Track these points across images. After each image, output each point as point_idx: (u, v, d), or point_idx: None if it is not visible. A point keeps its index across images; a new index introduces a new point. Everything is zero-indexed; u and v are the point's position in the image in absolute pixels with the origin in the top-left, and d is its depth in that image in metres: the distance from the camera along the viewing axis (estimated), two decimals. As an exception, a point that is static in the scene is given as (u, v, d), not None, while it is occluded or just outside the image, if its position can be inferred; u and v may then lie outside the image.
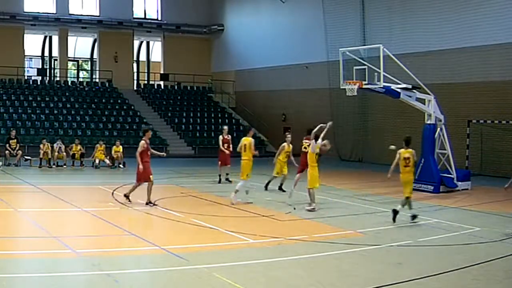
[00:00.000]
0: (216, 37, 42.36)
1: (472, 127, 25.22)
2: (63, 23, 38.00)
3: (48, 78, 39.13)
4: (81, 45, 41.71)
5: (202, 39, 42.42)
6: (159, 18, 41.53)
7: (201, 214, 13.98)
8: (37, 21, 37.24)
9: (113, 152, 25.83)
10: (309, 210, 14.83)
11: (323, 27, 32.16)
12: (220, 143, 20.51)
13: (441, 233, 12.51)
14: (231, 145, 20.45)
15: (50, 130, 31.59)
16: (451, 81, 25.53)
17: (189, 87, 41.54)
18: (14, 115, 32.61)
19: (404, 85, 19.38)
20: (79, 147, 25.49)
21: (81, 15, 38.79)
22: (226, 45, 41.51)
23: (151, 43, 43.82)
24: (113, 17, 39.03)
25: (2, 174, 21.61)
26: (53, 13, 37.61)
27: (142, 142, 15.25)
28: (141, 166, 14.97)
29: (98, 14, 39.11)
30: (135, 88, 40.94)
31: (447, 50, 25.84)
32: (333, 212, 15.02)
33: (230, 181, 20.14)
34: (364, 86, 19.18)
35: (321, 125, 16.15)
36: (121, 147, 25.97)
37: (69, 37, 39.06)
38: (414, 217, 13.50)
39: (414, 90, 19.59)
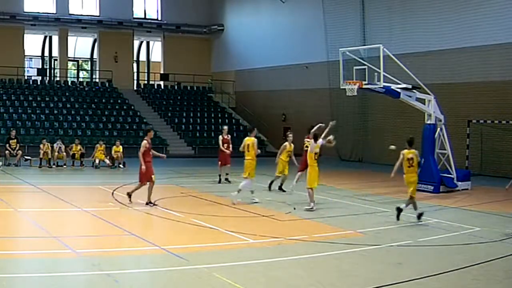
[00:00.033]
0: (216, 37, 42.37)
1: (472, 127, 25.22)
2: (63, 23, 38.01)
3: (48, 78, 39.14)
4: (81, 45, 41.72)
5: (202, 39, 42.42)
6: (159, 18, 41.53)
7: (201, 214, 13.98)
8: (37, 21, 37.25)
9: (113, 152, 25.83)
10: (307, 210, 14.84)
11: (323, 27, 32.16)
12: (220, 143, 20.52)
13: (441, 233, 12.51)
14: (230, 145, 20.47)
15: (50, 130, 31.59)
16: (451, 81, 25.53)
17: (189, 87, 41.54)
18: (14, 115, 32.61)
19: (404, 85, 19.38)
20: (79, 147, 25.49)
21: (81, 15, 38.80)
22: (226, 45, 41.51)
23: (151, 43, 43.83)
24: (113, 17, 39.03)
25: (2, 174, 21.61)
26: (53, 13, 37.62)
27: (144, 142, 15.23)
28: (143, 167, 14.97)
29: (98, 14, 39.12)
30: (135, 88, 40.95)
31: (447, 50, 25.84)
32: (333, 212, 15.02)
33: (230, 182, 20.15)
34: (364, 86, 19.17)
35: (320, 124, 16.21)
36: (121, 147, 25.97)
37: (69, 37, 39.06)
38: (420, 215, 13.47)
39: (414, 90, 19.59)
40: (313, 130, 15.88)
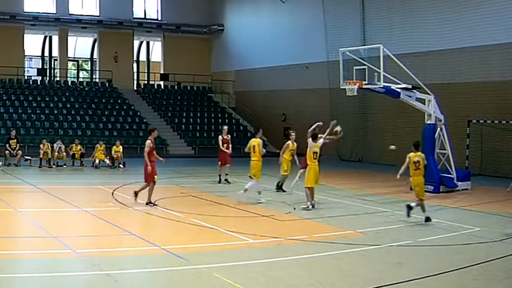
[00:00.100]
0: (216, 37, 42.37)
1: (472, 127, 25.22)
2: (63, 23, 38.01)
3: (48, 78, 39.13)
4: (81, 45, 41.71)
5: (202, 39, 42.42)
6: (159, 18, 41.53)
7: (201, 214, 13.98)
8: (37, 21, 37.24)
9: (113, 152, 25.84)
10: (304, 209, 14.87)
11: (323, 27, 32.16)
12: (220, 143, 20.52)
13: (441, 233, 12.51)
14: (230, 145, 20.48)
15: (50, 130, 31.59)
16: (451, 81, 25.53)
17: (189, 87, 41.54)
18: (14, 115, 32.61)
19: (404, 85, 19.38)
20: (79, 147, 25.49)
21: (81, 15, 38.79)
22: (226, 45, 41.51)
23: (151, 43, 43.82)
24: (113, 17, 39.03)
25: (2, 174, 21.61)
26: (53, 13, 37.62)
27: (148, 141, 15.21)
28: (149, 167, 14.95)
29: (98, 14, 39.11)
30: (135, 88, 40.95)
31: (447, 50, 25.84)
32: (333, 212, 15.02)
33: (230, 182, 20.16)
34: (364, 86, 19.17)
35: (318, 123, 16.26)
36: (121, 147, 25.98)
37: (69, 37, 39.06)
38: (427, 219, 13.47)
39: (414, 90, 19.58)
40: (310, 129, 15.91)
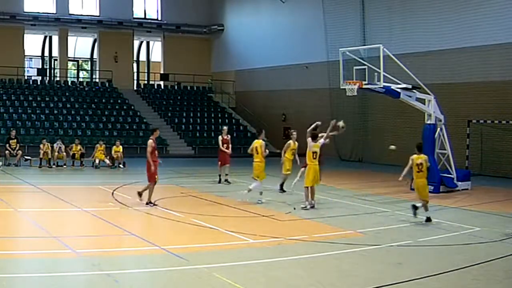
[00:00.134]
0: (216, 37, 42.37)
1: (472, 127, 25.22)
2: (63, 23, 38.01)
3: (48, 78, 39.14)
4: (81, 45, 41.72)
5: (202, 39, 42.43)
6: (159, 18, 41.53)
7: (201, 214, 13.98)
8: (37, 21, 37.25)
9: (113, 152, 25.84)
10: (302, 208, 14.89)
11: (323, 27, 32.16)
12: (220, 143, 20.52)
13: (441, 233, 12.50)
14: (230, 145, 20.48)
15: (50, 130, 31.59)
16: (451, 81, 25.53)
17: (189, 87, 41.54)
18: (14, 115, 32.61)
19: (404, 85, 19.38)
20: (79, 147, 25.49)
21: (81, 15, 38.79)
22: (226, 45, 41.52)
23: (151, 43, 43.83)
24: (113, 17, 39.04)
25: (2, 174, 21.61)
26: (53, 13, 37.62)
27: (150, 141, 15.19)
28: (153, 167, 14.95)
29: (98, 14, 39.11)
30: (135, 88, 40.95)
31: (447, 50, 25.84)
32: (333, 212, 15.02)
33: (230, 183, 20.16)
34: (364, 86, 19.16)
35: (317, 122, 16.27)
36: (121, 147, 25.99)
37: (69, 37, 39.06)
38: (428, 219, 13.49)
39: (414, 90, 19.58)
40: (309, 129, 15.91)
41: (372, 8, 29.95)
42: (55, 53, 39.64)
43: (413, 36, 26.98)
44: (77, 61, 43.19)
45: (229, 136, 20.94)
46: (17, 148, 25.06)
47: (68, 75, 40.74)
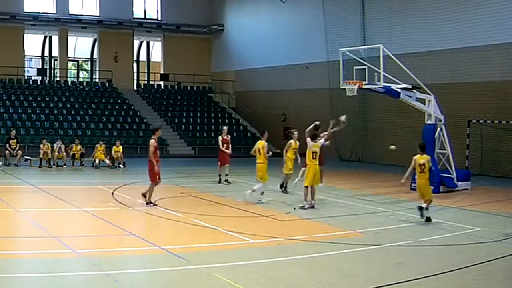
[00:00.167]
0: (216, 37, 42.37)
1: (472, 127, 25.22)
2: (63, 23, 38.02)
3: (48, 78, 39.14)
4: (81, 45, 41.72)
5: (202, 39, 42.43)
6: (159, 18, 41.53)
7: (201, 214, 13.98)
8: (37, 21, 37.25)
9: (113, 152, 25.84)
10: (301, 208, 14.90)
11: (323, 27, 32.16)
12: (220, 143, 20.53)
13: (441, 233, 12.50)
14: (230, 145, 20.49)
15: (50, 130, 31.59)
16: (451, 81, 25.53)
17: (189, 87, 41.55)
18: (14, 115, 32.60)
19: (404, 85, 19.38)
20: (79, 147, 25.49)
21: (81, 15, 38.80)
22: (226, 45, 41.52)
23: (151, 43, 43.83)
24: (113, 17, 39.04)
25: (2, 174, 21.60)
26: (53, 13, 37.62)
27: (152, 141, 15.11)
28: (156, 167, 14.92)
29: (98, 14, 39.12)
30: (135, 88, 40.95)
31: (447, 50, 25.84)
32: (333, 212, 15.02)
33: (230, 183, 20.16)
34: (364, 86, 19.16)
35: (316, 122, 16.28)
36: (121, 147, 25.98)
37: (69, 37, 39.06)
38: (428, 219, 13.49)
39: (414, 90, 19.58)
40: (308, 129, 15.93)
41: (372, 8, 29.95)
42: (55, 53, 39.63)
43: (413, 36, 26.98)
44: (77, 61, 43.19)
45: (229, 136, 20.95)
46: (17, 148, 25.06)
47: (68, 75, 40.74)
